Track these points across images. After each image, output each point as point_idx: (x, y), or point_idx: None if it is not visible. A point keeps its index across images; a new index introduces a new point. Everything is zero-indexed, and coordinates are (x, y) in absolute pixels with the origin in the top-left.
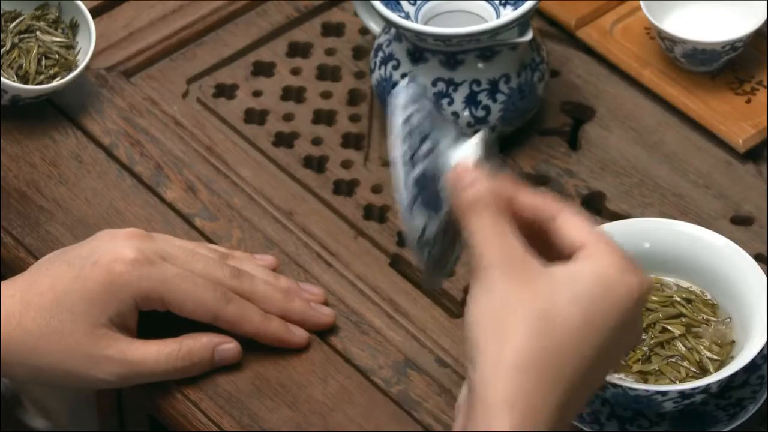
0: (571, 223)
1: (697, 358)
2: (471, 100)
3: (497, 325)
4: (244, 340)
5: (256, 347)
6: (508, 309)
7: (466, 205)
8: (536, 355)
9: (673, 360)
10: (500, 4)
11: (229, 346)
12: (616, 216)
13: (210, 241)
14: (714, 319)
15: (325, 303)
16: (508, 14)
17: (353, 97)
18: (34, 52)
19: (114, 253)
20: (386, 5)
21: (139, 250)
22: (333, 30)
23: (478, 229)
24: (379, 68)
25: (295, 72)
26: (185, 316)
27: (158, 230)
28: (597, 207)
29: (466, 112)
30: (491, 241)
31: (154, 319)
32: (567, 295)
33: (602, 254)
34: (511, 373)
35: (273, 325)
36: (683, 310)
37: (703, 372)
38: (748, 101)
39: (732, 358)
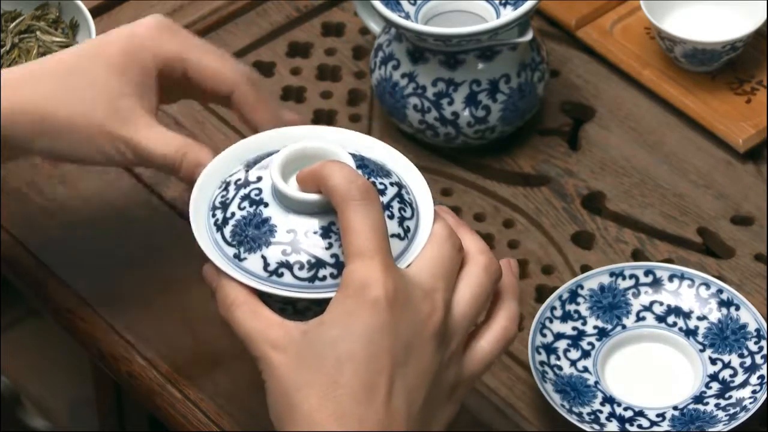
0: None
1: None
2: (471, 100)
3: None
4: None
5: None
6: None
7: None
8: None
9: None
10: (500, 4)
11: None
12: (616, 216)
13: None
14: None
15: None
16: (508, 14)
17: (353, 97)
18: (34, 52)
19: (135, 23)
20: (386, 5)
21: (162, 19)
22: (333, 30)
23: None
24: (379, 68)
25: (295, 72)
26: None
27: (158, 230)
28: (597, 207)
29: (466, 112)
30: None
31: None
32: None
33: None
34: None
35: (288, 116)
36: None
37: None
38: (748, 101)
39: None
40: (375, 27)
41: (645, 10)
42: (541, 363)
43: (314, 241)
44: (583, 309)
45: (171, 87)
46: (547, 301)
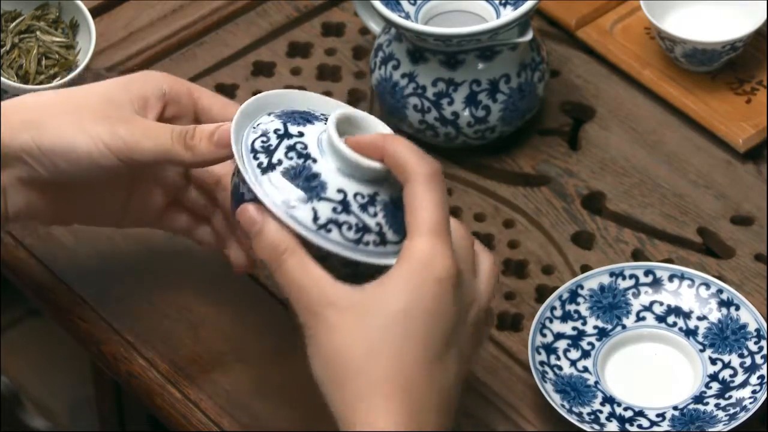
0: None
1: None
2: (471, 100)
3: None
4: (243, 343)
5: (256, 348)
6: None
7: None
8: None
9: None
10: (500, 4)
11: None
12: (616, 216)
13: None
14: None
15: None
16: (508, 14)
17: (353, 97)
18: (34, 52)
19: None
20: (386, 5)
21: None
22: (333, 30)
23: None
24: (379, 68)
25: (295, 72)
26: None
27: (158, 230)
28: (597, 207)
29: (466, 112)
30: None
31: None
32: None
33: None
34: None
35: None
36: None
37: None
38: (748, 101)
39: None
40: (375, 27)
41: (645, 10)
42: (541, 363)
43: (361, 207)
44: (583, 309)
45: (179, 116)
46: (547, 301)
